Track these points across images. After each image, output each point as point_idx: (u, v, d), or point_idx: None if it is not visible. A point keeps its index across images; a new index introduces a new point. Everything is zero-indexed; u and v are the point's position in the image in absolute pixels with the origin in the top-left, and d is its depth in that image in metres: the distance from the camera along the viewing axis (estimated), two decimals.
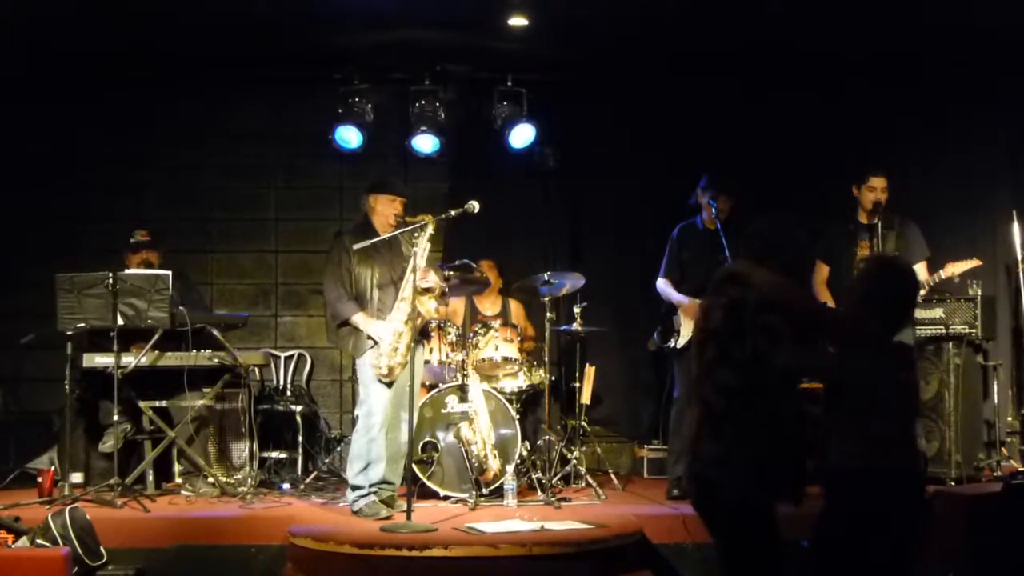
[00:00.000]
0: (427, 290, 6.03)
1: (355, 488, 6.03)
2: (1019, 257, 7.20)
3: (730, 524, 3.92)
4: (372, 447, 6.00)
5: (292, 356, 8.28)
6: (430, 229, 5.95)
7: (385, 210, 6.20)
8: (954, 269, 6.46)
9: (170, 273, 6.63)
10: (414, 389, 6.05)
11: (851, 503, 3.84)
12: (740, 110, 8.00)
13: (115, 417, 6.43)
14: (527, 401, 7.37)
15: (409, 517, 5.52)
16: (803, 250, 4.37)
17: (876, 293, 4.03)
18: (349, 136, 8.03)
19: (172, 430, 6.64)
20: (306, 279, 8.54)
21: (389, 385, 6.01)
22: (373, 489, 6.01)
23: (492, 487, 6.50)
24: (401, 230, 6.05)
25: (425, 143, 8.12)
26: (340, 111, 8.01)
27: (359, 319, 6.05)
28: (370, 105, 8.08)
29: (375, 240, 6.07)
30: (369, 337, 6.04)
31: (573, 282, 7.18)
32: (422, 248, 5.96)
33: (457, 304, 7.64)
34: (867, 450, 3.84)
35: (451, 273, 6.64)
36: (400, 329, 5.95)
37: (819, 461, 3.94)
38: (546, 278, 6.99)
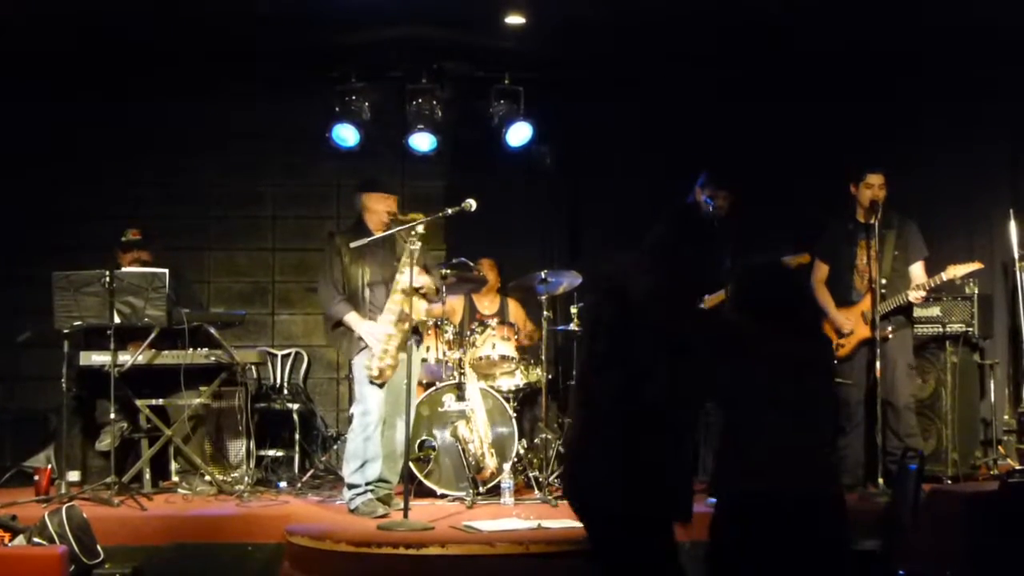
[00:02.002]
0: (417, 290, 6.02)
1: (351, 487, 6.03)
2: (1016, 256, 7.20)
3: (614, 536, 3.67)
4: (368, 445, 5.99)
5: (289, 354, 8.27)
6: (420, 228, 5.89)
7: (378, 207, 6.19)
8: (955, 271, 6.44)
9: (167, 271, 6.63)
10: (411, 388, 6.04)
11: (731, 532, 3.61)
12: (739, 109, 7.98)
13: (112, 415, 6.42)
14: (524, 399, 7.37)
15: (406, 515, 5.52)
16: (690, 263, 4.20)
17: (747, 297, 3.86)
18: (346, 134, 8.02)
19: (169, 428, 6.64)
20: (303, 277, 8.53)
21: (381, 386, 6.01)
22: (370, 487, 6.01)
23: (489, 485, 6.50)
24: (395, 229, 6.03)
25: (422, 141, 8.11)
26: (337, 109, 8.00)
27: (351, 319, 6.05)
28: (367, 103, 8.07)
29: (370, 239, 6.07)
30: (360, 338, 6.05)
31: (570, 280, 7.18)
32: (415, 248, 5.94)
33: (455, 303, 7.64)
34: (751, 474, 3.58)
35: (448, 272, 6.64)
36: (390, 331, 5.94)
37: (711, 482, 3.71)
38: (543, 276, 6.98)
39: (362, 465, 6.00)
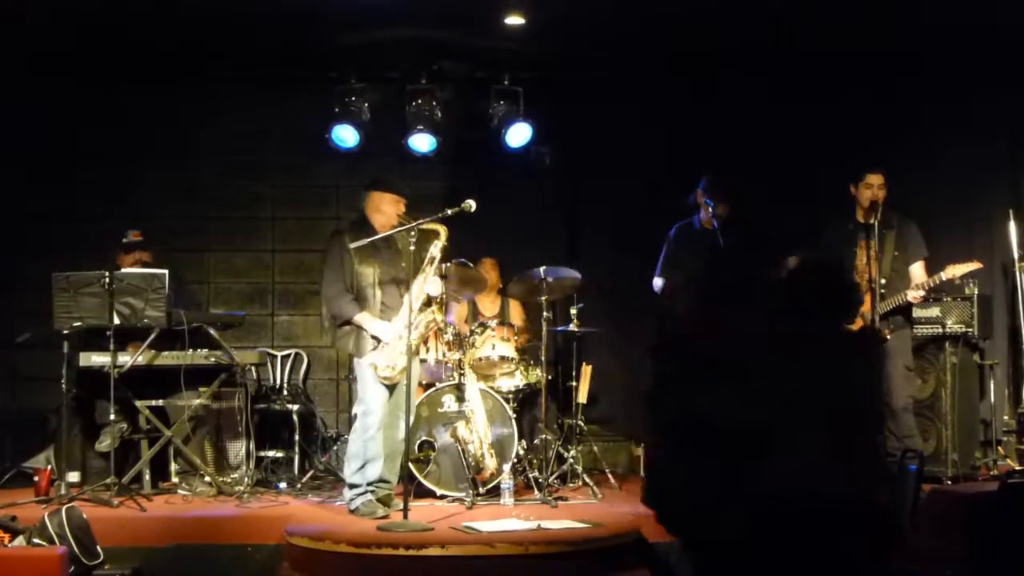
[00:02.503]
0: (433, 299, 6.06)
1: (352, 487, 6.03)
2: (1016, 256, 7.20)
3: None
4: (369, 446, 6.00)
5: (289, 355, 8.28)
6: (443, 240, 6.03)
7: (389, 209, 6.18)
8: (955, 271, 6.44)
9: (167, 272, 6.63)
10: (411, 388, 6.05)
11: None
12: (738, 109, 7.99)
13: (111, 416, 6.43)
14: (524, 400, 7.37)
15: (406, 516, 5.52)
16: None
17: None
18: (346, 135, 8.03)
19: (169, 429, 6.65)
20: (303, 278, 8.54)
21: (389, 386, 6.01)
22: (370, 488, 6.01)
23: (489, 486, 6.50)
24: (398, 228, 6.04)
25: (422, 142, 8.11)
26: (337, 110, 8.01)
27: (363, 318, 6.03)
28: (367, 104, 8.07)
29: (374, 238, 6.08)
30: (373, 337, 6.04)
31: (571, 280, 7.19)
32: (435, 258, 6.05)
33: (461, 309, 7.65)
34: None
35: (449, 268, 6.64)
36: (403, 333, 5.95)
37: None
38: (542, 274, 6.98)
39: (363, 465, 6.00)
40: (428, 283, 6.11)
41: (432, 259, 6.08)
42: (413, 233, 5.87)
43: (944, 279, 6.45)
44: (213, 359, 6.73)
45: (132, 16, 7.16)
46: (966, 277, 6.67)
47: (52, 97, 8.02)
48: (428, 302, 6.17)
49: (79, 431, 6.85)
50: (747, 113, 7.96)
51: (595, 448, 7.68)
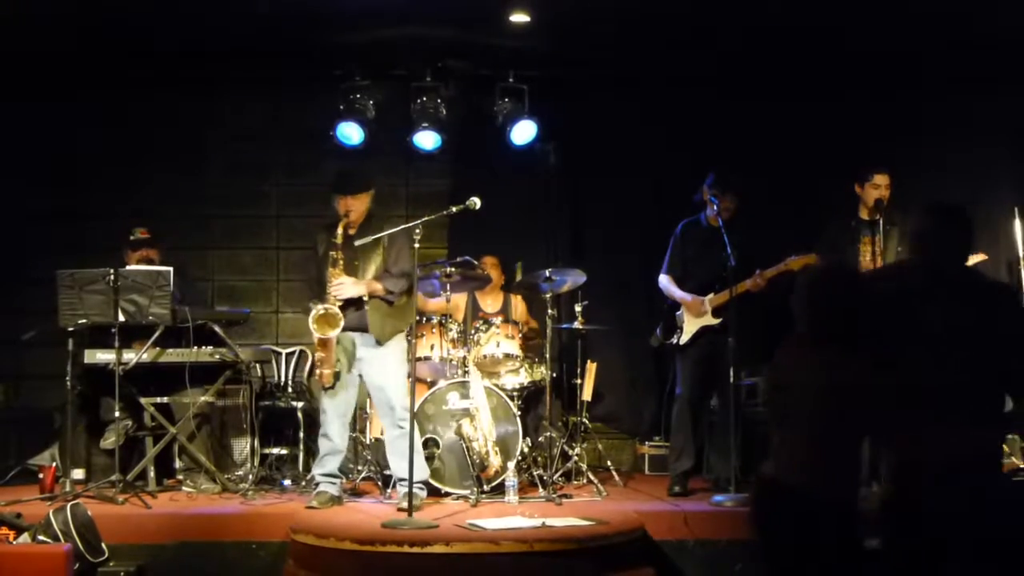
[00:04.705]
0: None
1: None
2: (1020, 254, 7.20)
3: None
4: (321, 441, 6.27)
5: (293, 352, 8.26)
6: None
7: (336, 207, 6.25)
8: None
9: (171, 269, 6.64)
10: (412, 385, 6.05)
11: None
12: (741, 108, 7.99)
13: (116, 413, 6.44)
14: (528, 398, 7.37)
15: (410, 514, 5.52)
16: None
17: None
18: (351, 133, 8.03)
19: (173, 427, 6.65)
20: (307, 276, 8.52)
21: (327, 388, 6.18)
22: (327, 480, 6.27)
23: (493, 483, 6.50)
24: (401, 227, 6.05)
25: (427, 140, 8.12)
26: (341, 108, 8.01)
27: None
28: (371, 102, 8.07)
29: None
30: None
31: (574, 279, 7.17)
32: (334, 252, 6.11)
33: (459, 300, 7.63)
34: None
35: (452, 269, 6.64)
36: (317, 335, 6.06)
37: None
38: (547, 275, 6.98)
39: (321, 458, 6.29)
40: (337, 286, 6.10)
41: (333, 259, 6.10)
42: (417, 231, 5.89)
43: None
44: (218, 356, 6.74)
45: (135, 14, 7.17)
46: None
47: (56, 96, 8.03)
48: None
49: (84, 428, 6.85)
50: (749, 113, 7.95)
51: (599, 446, 7.68)
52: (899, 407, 3.70)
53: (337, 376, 6.15)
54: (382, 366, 6.18)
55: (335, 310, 6.00)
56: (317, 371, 6.16)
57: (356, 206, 6.20)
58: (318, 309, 5.99)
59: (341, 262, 6.08)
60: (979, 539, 3.69)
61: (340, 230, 6.08)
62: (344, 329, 6.04)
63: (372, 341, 6.18)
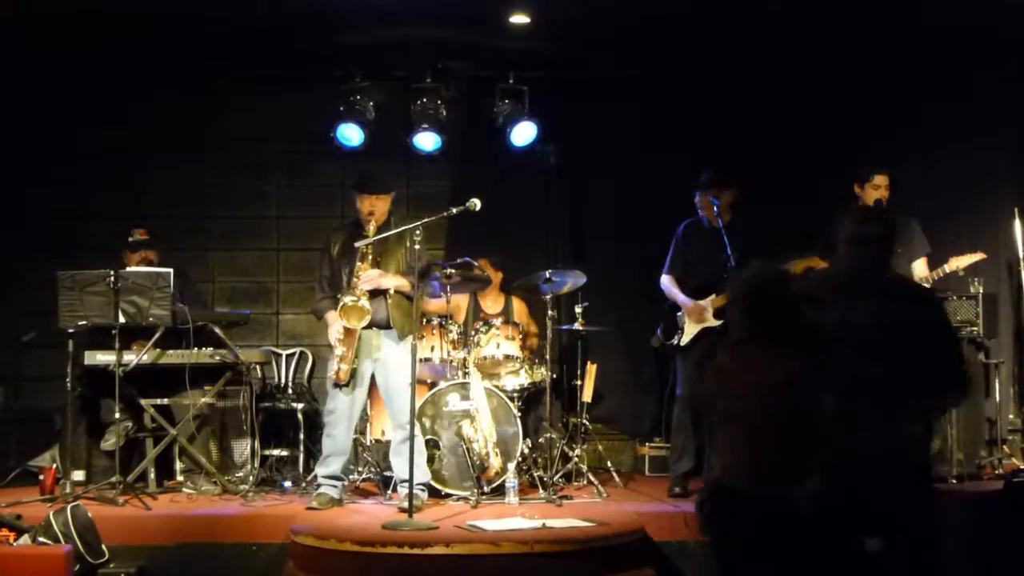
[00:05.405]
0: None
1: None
2: (1021, 255, 7.20)
3: None
4: (326, 442, 6.29)
5: (294, 354, 8.26)
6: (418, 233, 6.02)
7: (360, 207, 6.29)
8: (958, 263, 6.42)
9: (171, 271, 6.64)
10: (413, 388, 6.05)
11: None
12: (741, 109, 7.99)
13: (116, 415, 6.45)
14: (529, 399, 7.37)
15: (411, 515, 5.52)
16: None
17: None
18: (350, 134, 8.02)
19: (174, 428, 6.65)
20: (307, 277, 8.48)
21: (342, 386, 6.17)
22: (329, 482, 6.26)
23: (494, 485, 6.50)
24: (402, 228, 6.05)
25: (426, 141, 8.10)
26: (341, 109, 7.99)
27: (330, 318, 6.21)
28: (371, 103, 8.06)
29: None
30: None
31: (575, 280, 7.17)
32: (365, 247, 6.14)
33: (460, 301, 7.63)
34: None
35: (452, 271, 6.64)
36: (340, 336, 6.10)
37: None
38: (547, 276, 6.98)
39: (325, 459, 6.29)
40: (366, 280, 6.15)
41: (363, 255, 6.16)
42: (418, 232, 5.89)
43: (948, 271, 6.43)
44: (218, 358, 6.74)
45: (136, 14, 7.16)
46: (969, 273, 6.65)
47: (56, 97, 8.03)
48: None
49: (84, 430, 6.86)
50: (749, 113, 7.95)
51: (600, 447, 7.68)
52: (833, 402, 3.89)
53: (353, 373, 6.15)
54: (397, 366, 6.20)
55: (365, 303, 6.04)
56: (334, 368, 6.16)
57: (380, 206, 6.29)
58: (346, 301, 6.02)
59: (370, 256, 6.15)
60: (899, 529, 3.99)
61: (371, 227, 6.16)
62: (368, 324, 6.09)
63: (395, 337, 6.22)
